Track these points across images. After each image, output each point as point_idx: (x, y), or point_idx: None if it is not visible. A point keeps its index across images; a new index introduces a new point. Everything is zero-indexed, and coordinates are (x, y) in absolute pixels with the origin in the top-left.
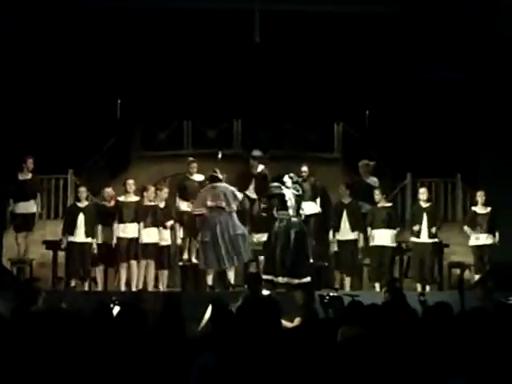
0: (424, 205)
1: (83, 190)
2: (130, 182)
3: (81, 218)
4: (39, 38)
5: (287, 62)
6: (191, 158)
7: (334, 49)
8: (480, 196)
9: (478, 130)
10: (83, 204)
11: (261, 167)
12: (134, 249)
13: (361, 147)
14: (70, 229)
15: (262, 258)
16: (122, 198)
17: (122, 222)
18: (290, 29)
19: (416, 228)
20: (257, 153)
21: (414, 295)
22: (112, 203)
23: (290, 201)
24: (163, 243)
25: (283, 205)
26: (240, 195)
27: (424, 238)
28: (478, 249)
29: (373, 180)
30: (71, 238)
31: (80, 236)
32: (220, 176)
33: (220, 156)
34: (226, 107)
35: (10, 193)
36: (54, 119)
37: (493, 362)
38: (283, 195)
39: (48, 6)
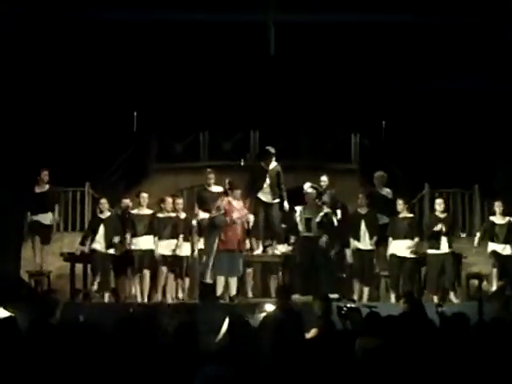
0: (441, 215)
1: (104, 202)
2: (145, 195)
3: (101, 229)
4: (57, 50)
5: (302, 74)
6: (209, 169)
7: (350, 60)
8: (498, 206)
9: (495, 140)
10: (105, 215)
11: (274, 164)
12: (148, 259)
13: (378, 158)
14: (90, 238)
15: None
16: (134, 211)
17: (134, 235)
18: (304, 40)
19: (437, 228)
20: (271, 149)
21: (431, 306)
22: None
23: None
24: (182, 254)
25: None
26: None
27: (444, 248)
28: (499, 257)
29: (386, 191)
30: (93, 246)
31: (101, 245)
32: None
33: (242, 163)
34: (242, 119)
35: (27, 205)
36: (71, 132)
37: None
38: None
39: (69, 18)
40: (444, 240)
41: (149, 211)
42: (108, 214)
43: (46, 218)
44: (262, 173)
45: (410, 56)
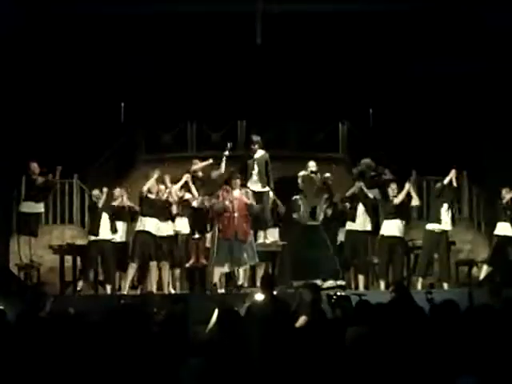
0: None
1: (96, 193)
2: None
3: (104, 217)
4: (43, 42)
5: (290, 63)
6: (195, 160)
7: (337, 48)
8: (507, 192)
9: (482, 125)
10: (101, 204)
11: (261, 152)
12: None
13: (365, 147)
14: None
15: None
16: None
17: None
18: (291, 29)
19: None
20: (255, 137)
21: (421, 293)
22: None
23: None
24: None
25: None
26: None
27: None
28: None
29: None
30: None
31: (106, 234)
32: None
33: (229, 147)
34: (229, 109)
35: (20, 195)
36: (58, 123)
37: (500, 359)
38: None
39: (51, 11)
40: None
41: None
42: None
43: (37, 208)
44: (249, 162)
45: (396, 43)
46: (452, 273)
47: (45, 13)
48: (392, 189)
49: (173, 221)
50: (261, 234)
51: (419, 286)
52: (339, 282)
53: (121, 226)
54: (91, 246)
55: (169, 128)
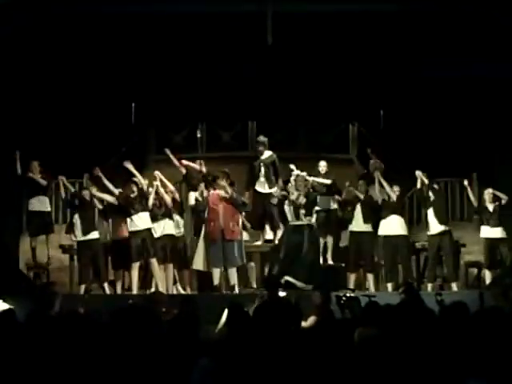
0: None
1: (86, 193)
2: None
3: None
4: (55, 42)
5: (300, 64)
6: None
7: (348, 49)
8: (487, 193)
9: (492, 128)
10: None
11: (268, 153)
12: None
13: (375, 148)
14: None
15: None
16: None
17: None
18: (302, 30)
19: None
20: (262, 138)
21: (431, 295)
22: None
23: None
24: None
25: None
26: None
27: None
28: (491, 244)
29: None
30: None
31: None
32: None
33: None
34: (240, 109)
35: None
36: (69, 124)
37: (510, 362)
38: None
39: (67, 10)
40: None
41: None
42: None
43: (44, 203)
44: (256, 163)
45: (408, 44)
46: (461, 274)
47: (57, 10)
48: (394, 190)
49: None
50: (270, 233)
51: (429, 288)
52: (301, 285)
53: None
54: (80, 247)
55: (179, 129)
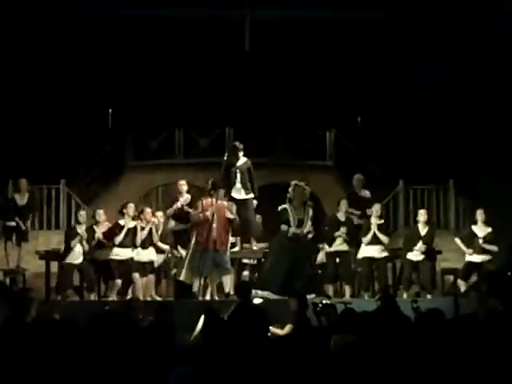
0: (422, 231)
1: (83, 214)
2: (132, 205)
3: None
4: (29, 47)
5: (278, 70)
6: (181, 181)
7: (325, 56)
8: (480, 214)
9: (469, 135)
10: (81, 229)
11: (243, 159)
12: (129, 267)
13: (353, 155)
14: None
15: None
16: (122, 222)
17: (120, 246)
18: (279, 37)
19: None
20: (237, 144)
21: (407, 302)
22: (104, 225)
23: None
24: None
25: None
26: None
27: (417, 256)
28: (472, 264)
29: (365, 192)
30: (67, 260)
31: (76, 258)
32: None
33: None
34: (217, 115)
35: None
36: (45, 129)
37: (485, 368)
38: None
39: (38, 14)
40: (420, 249)
41: (133, 223)
42: (84, 226)
43: (24, 224)
44: (232, 170)
45: (385, 52)
46: (437, 282)
47: (28, 16)
48: (376, 209)
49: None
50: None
51: (405, 295)
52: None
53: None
54: (64, 267)
55: (156, 134)
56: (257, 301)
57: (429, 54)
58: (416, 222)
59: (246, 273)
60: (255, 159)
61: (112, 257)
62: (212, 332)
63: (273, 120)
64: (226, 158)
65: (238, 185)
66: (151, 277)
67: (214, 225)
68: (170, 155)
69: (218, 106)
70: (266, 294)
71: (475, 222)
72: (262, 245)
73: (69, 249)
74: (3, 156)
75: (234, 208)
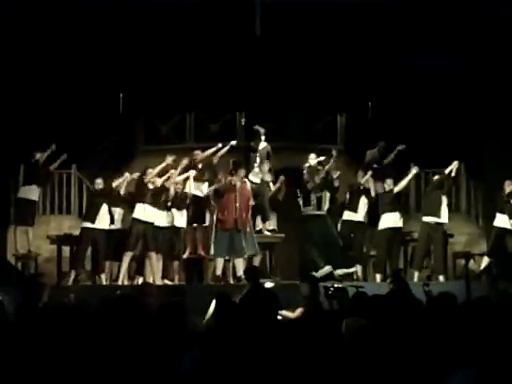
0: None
1: (100, 182)
2: (151, 170)
3: (103, 206)
4: (41, 33)
5: (289, 54)
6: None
7: (337, 39)
8: (508, 185)
9: (481, 118)
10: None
11: (264, 144)
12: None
13: (364, 139)
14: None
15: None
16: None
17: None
18: (290, 20)
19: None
20: (261, 129)
21: (418, 285)
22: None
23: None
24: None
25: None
26: None
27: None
28: (500, 233)
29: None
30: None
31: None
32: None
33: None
34: (228, 100)
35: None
36: (57, 114)
37: (498, 351)
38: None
39: (49, 1)
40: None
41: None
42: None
43: (34, 193)
44: (252, 154)
45: (397, 35)
46: (449, 265)
47: (39, 2)
48: (388, 184)
49: (169, 210)
50: (260, 224)
51: (415, 279)
52: (351, 270)
53: (118, 212)
54: (84, 234)
55: (167, 119)
56: (268, 285)
57: (441, 36)
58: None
59: (257, 257)
60: (270, 143)
61: (134, 215)
62: (224, 316)
63: (284, 104)
64: (235, 142)
65: (257, 169)
66: (160, 258)
67: (237, 204)
68: (181, 140)
69: (228, 91)
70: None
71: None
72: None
73: (95, 214)
74: (15, 141)
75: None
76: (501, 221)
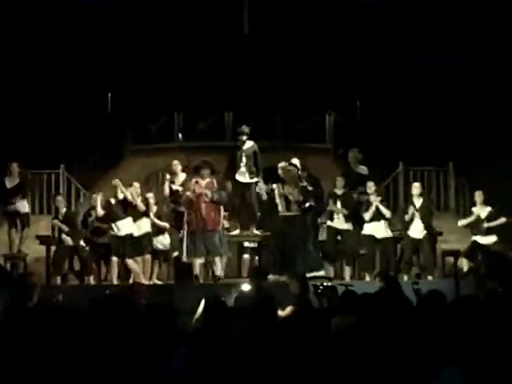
0: (417, 202)
1: (60, 200)
2: (137, 184)
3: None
4: (29, 33)
5: (277, 53)
6: (175, 161)
7: (324, 38)
8: (479, 196)
9: (469, 117)
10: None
11: (250, 143)
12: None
13: (352, 137)
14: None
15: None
16: (112, 200)
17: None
18: (279, 19)
19: (409, 213)
20: (245, 128)
21: (407, 284)
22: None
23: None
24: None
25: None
26: None
27: (419, 233)
28: (477, 244)
29: (362, 169)
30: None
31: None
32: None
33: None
34: (216, 99)
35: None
36: (45, 114)
37: (486, 350)
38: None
39: (35, 2)
40: (420, 225)
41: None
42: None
43: (23, 206)
44: (238, 153)
45: (386, 34)
46: (438, 263)
47: (26, 3)
48: (369, 186)
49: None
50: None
51: (405, 277)
52: (320, 273)
53: None
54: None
55: (156, 118)
56: (245, 287)
57: (427, 36)
58: (411, 195)
59: (246, 256)
60: (256, 142)
61: (112, 233)
62: (213, 316)
63: (272, 103)
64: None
65: (243, 168)
66: (148, 257)
67: (203, 205)
68: (170, 139)
69: (216, 90)
70: (273, 277)
71: (474, 204)
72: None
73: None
74: (3, 141)
75: (214, 183)
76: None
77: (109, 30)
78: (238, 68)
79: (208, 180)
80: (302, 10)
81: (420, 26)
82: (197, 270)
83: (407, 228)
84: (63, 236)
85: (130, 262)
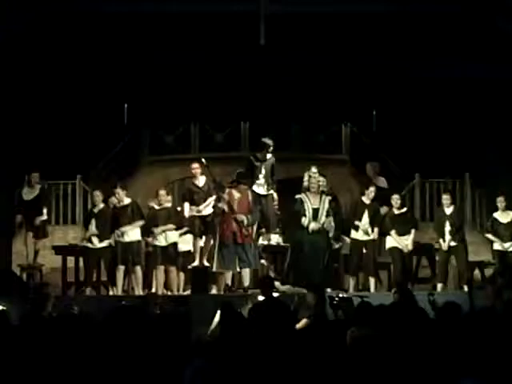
0: (447, 211)
1: (98, 194)
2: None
3: (93, 223)
4: (45, 43)
5: (293, 64)
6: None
7: (341, 49)
8: (500, 202)
9: (485, 128)
10: (97, 209)
11: (269, 155)
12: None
13: (368, 148)
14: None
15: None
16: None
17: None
18: (295, 30)
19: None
20: (269, 141)
21: (423, 295)
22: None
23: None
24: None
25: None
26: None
27: (450, 242)
28: (502, 254)
29: (381, 180)
30: (86, 244)
31: (94, 242)
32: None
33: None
34: (233, 110)
35: (17, 209)
36: (61, 125)
37: (502, 361)
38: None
39: (53, 10)
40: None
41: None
42: (101, 206)
43: (41, 216)
44: (257, 164)
45: (401, 45)
46: (454, 274)
47: (47, 12)
48: (394, 200)
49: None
50: (264, 236)
51: (439, 286)
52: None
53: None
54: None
55: (172, 129)
56: (260, 298)
57: (445, 46)
58: (440, 204)
59: (262, 261)
60: (273, 154)
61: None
62: (229, 327)
63: (288, 114)
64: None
65: (262, 180)
66: (174, 269)
67: (233, 219)
68: (186, 150)
69: (233, 101)
70: (285, 288)
71: (496, 210)
72: (277, 239)
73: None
74: (20, 152)
75: (251, 196)
76: (497, 246)
77: (126, 40)
78: (255, 79)
79: (243, 189)
80: (319, 21)
81: (436, 36)
82: (228, 280)
83: (443, 238)
84: (92, 239)
85: (137, 269)
